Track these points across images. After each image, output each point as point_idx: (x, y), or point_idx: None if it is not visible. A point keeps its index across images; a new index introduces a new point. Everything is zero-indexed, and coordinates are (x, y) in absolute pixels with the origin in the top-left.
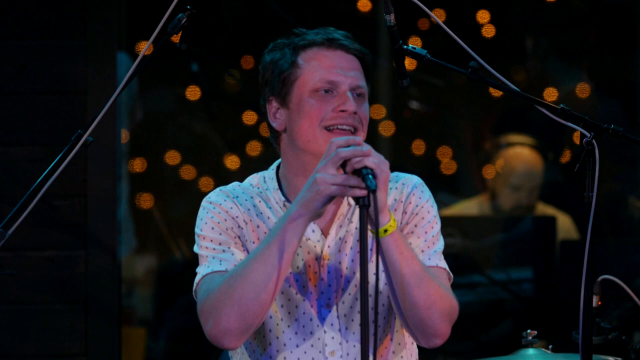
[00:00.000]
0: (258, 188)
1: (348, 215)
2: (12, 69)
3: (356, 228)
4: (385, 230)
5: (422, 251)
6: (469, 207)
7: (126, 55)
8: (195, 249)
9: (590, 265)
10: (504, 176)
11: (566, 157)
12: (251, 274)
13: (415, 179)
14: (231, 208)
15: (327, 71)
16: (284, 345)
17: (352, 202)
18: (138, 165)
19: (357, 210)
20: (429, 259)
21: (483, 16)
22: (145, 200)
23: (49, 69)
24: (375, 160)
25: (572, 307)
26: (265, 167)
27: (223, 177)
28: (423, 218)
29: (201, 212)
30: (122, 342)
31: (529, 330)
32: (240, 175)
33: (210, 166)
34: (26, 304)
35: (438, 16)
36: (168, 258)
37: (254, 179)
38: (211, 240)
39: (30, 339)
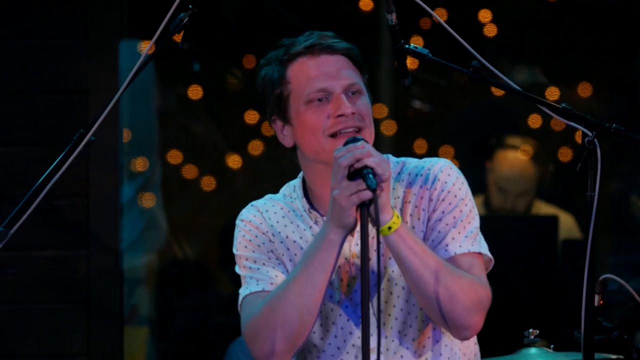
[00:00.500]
0: (290, 198)
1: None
2: (14, 69)
3: None
4: (390, 228)
5: (453, 238)
6: None
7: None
8: (236, 269)
9: (592, 265)
10: (493, 176)
11: (568, 156)
12: (292, 296)
13: (441, 163)
14: (261, 224)
15: (316, 80)
16: (323, 351)
17: None
18: (140, 164)
19: None
20: (460, 246)
21: (485, 15)
22: (147, 200)
23: (51, 69)
24: (376, 159)
25: (574, 306)
26: (266, 167)
27: (225, 177)
28: (450, 203)
29: (235, 231)
30: (123, 341)
31: (531, 330)
32: (242, 174)
33: (212, 165)
34: (28, 304)
35: (440, 15)
36: (170, 257)
37: (286, 189)
38: (246, 259)
39: (31, 339)
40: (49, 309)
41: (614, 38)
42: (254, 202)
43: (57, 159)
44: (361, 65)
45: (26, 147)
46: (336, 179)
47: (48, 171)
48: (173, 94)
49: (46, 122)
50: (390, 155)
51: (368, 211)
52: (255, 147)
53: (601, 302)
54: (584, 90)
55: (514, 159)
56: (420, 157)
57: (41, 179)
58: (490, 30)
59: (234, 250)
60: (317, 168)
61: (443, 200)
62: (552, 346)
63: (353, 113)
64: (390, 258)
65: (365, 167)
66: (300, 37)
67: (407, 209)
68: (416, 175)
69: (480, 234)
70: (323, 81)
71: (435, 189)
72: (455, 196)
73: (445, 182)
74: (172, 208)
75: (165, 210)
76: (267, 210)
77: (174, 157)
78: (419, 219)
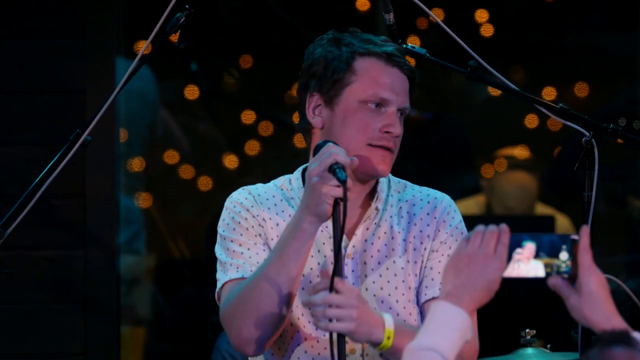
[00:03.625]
0: (282, 189)
1: (376, 219)
2: (10, 69)
3: (385, 232)
4: (384, 346)
5: None
6: (469, 205)
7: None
8: (216, 249)
9: None
10: (498, 197)
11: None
12: (265, 285)
13: (446, 198)
14: (252, 206)
15: (382, 87)
16: (305, 352)
17: (379, 206)
18: (137, 164)
19: (385, 214)
20: None
21: (481, 15)
22: (144, 200)
23: (48, 69)
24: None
25: None
26: (263, 167)
27: (222, 177)
28: (457, 240)
29: (223, 212)
30: (120, 341)
31: (527, 330)
32: (239, 174)
33: (209, 165)
34: (25, 304)
35: (436, 15)
36: (167, 257)
37: (279, 180)
38: (232, 241)
39: (28, 339)
40: (46, 309)
41: (612, 38)
42: (245, 187)
43: (54, 159)
44: (414, 94)
45: (23, 146)
46: (319, 169)
47: (45, 171)
48: (170, 93)
49: (43, 122)
50: (390, 174)
51: (345, 207)
52: (252, 147)
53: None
54: (581, 90)
55: (519, 178)
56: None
57: (38, 179)
58: (487, 30)
59: (220, 231)
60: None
61: (451, 235)
62: (548, 346)
63: (397, 136)
64: (373, 269)
65: (336, 162)
66: (374, 36)
67: (412, 230)
68: (421, 199)
69: None
70: (387, 92)
71: (444, 221)
72: (462, 233)
73: (453, 218)
74: (169, 208)
75: (162, 210)
76: (259, 195)
77: (171, 157)
78: (421, 243)
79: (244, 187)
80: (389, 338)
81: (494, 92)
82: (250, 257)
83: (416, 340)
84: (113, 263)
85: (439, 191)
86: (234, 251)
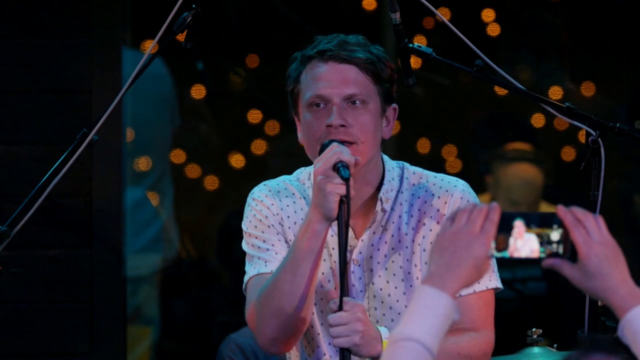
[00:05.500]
0: (303, 185)
1: (382, 222)
2: (17, 68)
3: (392, 235)
4: None
5: None
6: None
7: (131, 51)
8: (243, 245)
9: None
10: (502, 190)
11: (571, 155)
12: (284, 284)
13: (460, 188)
14: (272, 205)
15: (317, 85)
16: (324, 354)
17: (387, 208)
18: (143, 163)
19: (392, 215)
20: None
21: (488, 15)
22: (151, 198)
23: (54, 68)
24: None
25: (577, 305)
26: (269, 166)
27: (228, 176)
28: None
29: (246, 209)
30: (127, 341)
31: (534, 329)
32: (246, 174)
33: (215, 165)
34: (31, 303)
35: (443, 15)
36: (173, 257)
37: (301, 173)
38: (256, 238)
39: (35, 338)
40: (52, 308)
41: (619, 37)
42: (267, 182)
43: (60, 158)
44: (376, 76)
45: (29, 146)
46: (324, 168)
47: (51, 170)
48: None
49: (50, 122)
50: (405, 164)
51: (348, 205)
52: (258, 147)
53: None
54: (588, 89)
55: (523, 170)
56: (423, 156)
57: (44, 178)
58: (494, 30)
59: (244, 227)
60: None
61: None
62: (555, 345)
63: (342, 125)
64: (380, 276)
65: (340, 161)
66: (326, 37)
67: (421, 230)
68: (433, 194)
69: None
70: (323, 88)
71: None
72: None
73: None
74: (176, 207)
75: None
76: (278, 192)
77: (177, 156)
78: (431, 242)
79: (265, 183)
80: None
81: (501, 91)
82: (276, 254)
83: (397, 329)
84: (119, 262)
85: (455, 179)
86: (259, 247)
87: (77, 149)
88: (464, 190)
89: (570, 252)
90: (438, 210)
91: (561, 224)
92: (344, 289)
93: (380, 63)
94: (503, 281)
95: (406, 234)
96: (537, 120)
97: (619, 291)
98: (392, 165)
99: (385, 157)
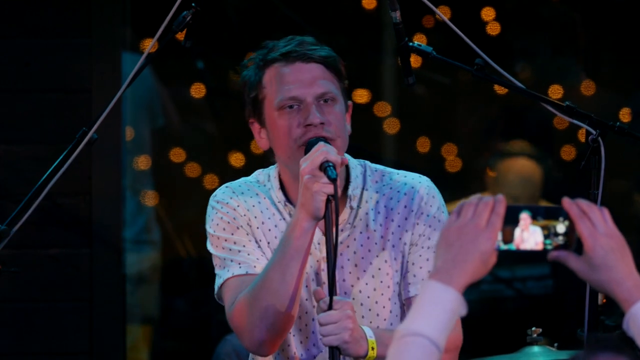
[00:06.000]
0: (264, 185)
1: (349, 219)
2: (16, 67)
3: (361, 232)
4: (369, 357)
5: (429, 271)
6: None
7: (131, 54)
8: (210, 248)
9: None
10: (501, 186)
11: (571, 154)
12: (273, 284)
13: (424, 184)
14: (238, 206)
15: (288, 87)
16: (294, 353)
17: (354, 205)
18: (143, 162)
19: (359, 212)
20: None
21: (488, 13)
22: (150, 198)
23: (54, 67)
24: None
25: (577, 304)
26: (269, 165)
27: (228, 175)
28: (435, 230)
29: (210, 212)
30: (126, 340)
31: (533, 328)
32: (245, 172)
33: (215, 164)
34: (30, 302)
35: (443, 13)
36: (173, 256)
37: (260, 175)
38: (225, 240)
39: (34, 337)
40: (52, 307)
41: (619, 36)
42: (228, 184)
43: (60, 157)
44: (338, 73)
45: (29, 145)
46: (310, 167)
47: (51, 169)
48: (176, 92)
49: (49, 121)
50: (366, 161)
51: (336, 204)
52: (258, 146)
53: (604, 300)
54: (588, 88)
55: (522, 165)
56: (423, 155)
57: (44, 177)
58: (494, 29)
59: (210, 230)
60: (293, 170)
61: (429, 226)
62: (555, 344)
63: (322, 123)
64: (350, 272)
65: (327, 160)
66: (281, 41)
67: (390, 227)
68: (398, 191)
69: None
70: (295, 89)
71: (422, 213)
72: (439, 222)
73: (431, 207)
74: (175, 206)
75: (168, 208)
76: (242, 193)
77: (177, 155)
78: (400, 238)
79: (227, 185)
80: (373, 349)
81: (501, 90)
82: (249, 254)
83: (404, 324)
84: (119, 261)
85: (417, 175)
86: (230, 249)
87: (76, 147)
88: (428, 186)
89: (576, 245)
90: (405, 207)
91: (567, 217)
92: (334, 287)
93: (339, 60)
94: (503, 280)
95: (375, 231)
96: (537, 119)
97: (624, 284)
98: (355, 163)
99: (347, 155)
